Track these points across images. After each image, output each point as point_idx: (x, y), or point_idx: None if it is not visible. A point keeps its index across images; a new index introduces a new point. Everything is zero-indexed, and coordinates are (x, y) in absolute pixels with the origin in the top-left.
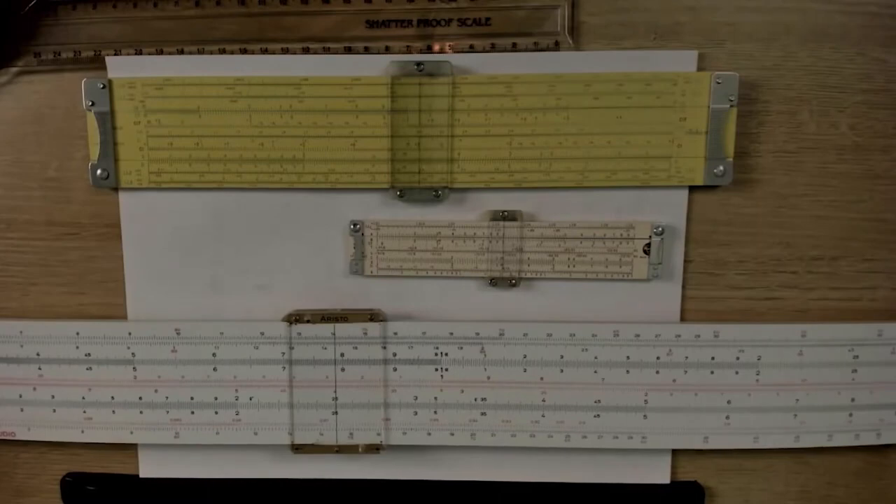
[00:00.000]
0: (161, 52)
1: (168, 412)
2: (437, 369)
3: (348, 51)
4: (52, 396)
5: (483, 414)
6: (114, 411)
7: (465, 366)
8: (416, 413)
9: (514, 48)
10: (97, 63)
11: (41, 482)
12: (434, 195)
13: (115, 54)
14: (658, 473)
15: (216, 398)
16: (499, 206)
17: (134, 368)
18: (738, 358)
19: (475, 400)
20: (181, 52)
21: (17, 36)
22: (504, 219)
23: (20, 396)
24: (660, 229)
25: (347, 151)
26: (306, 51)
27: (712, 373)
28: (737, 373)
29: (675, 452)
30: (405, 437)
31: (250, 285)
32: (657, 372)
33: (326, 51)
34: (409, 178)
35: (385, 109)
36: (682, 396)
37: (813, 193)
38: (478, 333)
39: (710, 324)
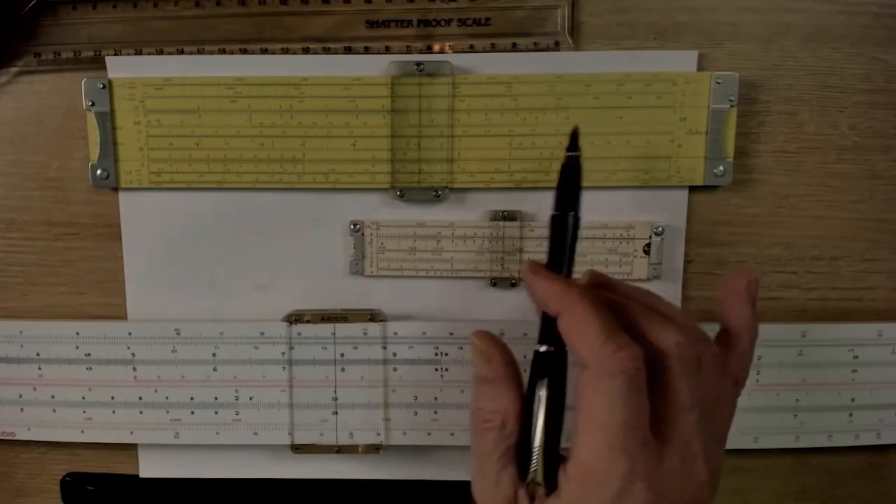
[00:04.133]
0: (161, 52)
1: (168, 412)
2: (437, 369)
3: (348, 51)
4: (52, 396)
5: None
6: (114, 411)
7: (465, 366)
8: (416, 413)
9: (514, 48)
10: (97, 63)
11: (41, 482)
12: (434, 195)
13: (115, 54)
14: None
15: (216, 398)
16: (499, 206)
17: (134, 368)
18: None
19: None
20: (181, 52)
21: (17, 36)
22: (504, 219)
23: (20, 396)
24: (660, 229)
25: (347, 151)
26: (306, 51)
27: None
28: None
29: None
30: (405, 437)
31: (250, 285)
32: None
33: (326, 51)
34: (409, 178)
35: (385, 109)
36: None
37: (813, 193)
38: None
39: (711, 324)
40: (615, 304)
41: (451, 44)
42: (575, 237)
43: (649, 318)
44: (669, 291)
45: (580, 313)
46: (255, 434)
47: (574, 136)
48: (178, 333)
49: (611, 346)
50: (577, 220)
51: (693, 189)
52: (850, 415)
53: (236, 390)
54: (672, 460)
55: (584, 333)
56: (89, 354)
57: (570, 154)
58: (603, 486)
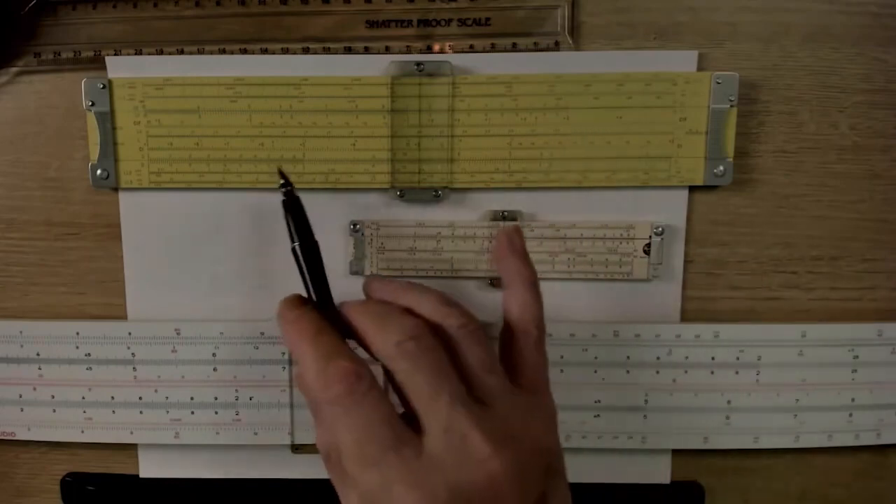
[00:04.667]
0: (161, 52)
1: (168, 412)
2: None
3: (348, 51)
4: (52, 396)
5: None
6: (114, 411)
7: None
8: None
9: (514, 48)
10: (97, 63)
11: (41, 482)
12: (434, 195)
13: (115, 54)
14: (658, 473)
15: (216, 398)
16: (499, 206)
17: (134, 368)
18: (738, 358)
19: None
20: (181, 52)
21: (17, 36)
22: (504, 219)
23: (20, 396)
24: (660, 229)
25: (347, 151)
26: (306, 51)
27: (712, 373)
28: (737, 373)
29: (675, 452)
30: None
31: (250, 285)
32: (657, 372)
33: (326, 51)
34: (409, 178)
35: (385, 109)
36: (682, 396)
37: (813, 193)
38: None
39: (710, 324)
40: (345, 322)
41: (451, 44)
42: (318, 262)
43: (368, 327)
44: (669, 291)
45: (300, 358)
46: (255, 434)
47: (281, 174)
48: (178, 333)
49: (321, 381)
50: (314, 245)
51: (693, 189)
52: (850, 415)
53: (236, 390)
54: (436, 448)
55: (307, 376)
56: (89, 354)
57: (284, 189)
58: (367, 501)
